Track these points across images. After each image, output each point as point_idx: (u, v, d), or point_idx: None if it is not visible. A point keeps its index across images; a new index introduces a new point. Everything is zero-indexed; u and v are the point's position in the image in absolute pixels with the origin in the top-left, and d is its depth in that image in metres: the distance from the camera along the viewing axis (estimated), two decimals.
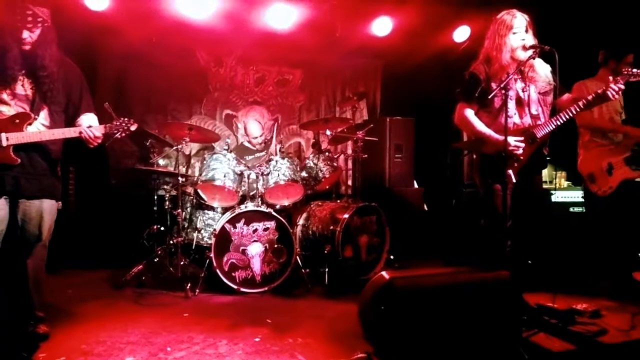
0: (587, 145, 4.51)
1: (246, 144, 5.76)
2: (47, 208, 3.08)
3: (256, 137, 5.68)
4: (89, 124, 3.19)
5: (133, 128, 3.21)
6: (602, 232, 4.50)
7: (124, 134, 3.20)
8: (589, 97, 3.22)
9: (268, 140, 5.93)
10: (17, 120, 2.91)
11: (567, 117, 3.26)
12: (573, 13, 5.17)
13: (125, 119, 3.19)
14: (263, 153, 5.47)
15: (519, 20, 3.33)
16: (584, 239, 4.74)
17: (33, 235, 3.04)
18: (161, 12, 5.34)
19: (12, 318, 3.04)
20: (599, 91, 3.20)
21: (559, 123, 3.29)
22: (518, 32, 3.32)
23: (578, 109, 3.24)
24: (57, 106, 3.10)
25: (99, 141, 3.11)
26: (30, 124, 2.94)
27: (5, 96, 2.93)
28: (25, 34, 2.92)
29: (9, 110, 2.94)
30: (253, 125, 5.73)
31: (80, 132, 3.04)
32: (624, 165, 4.31)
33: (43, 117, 3.03)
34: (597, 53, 4.58)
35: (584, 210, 5.26)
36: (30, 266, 3.05)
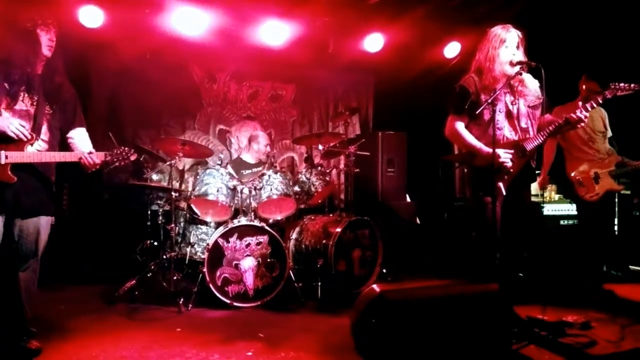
0: (574, 158, 4.67)
1: (244, 157, 5.78)
2: (43, 224, 3.11)
3: (267, 145, 5.67)
4: (82, 142, 3.24)
5: (133, 158, 3.23)
6: (590, 238, 4.61)
7: (122, 163, 3.22)
8: (555, 124, 3.36)
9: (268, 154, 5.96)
10: (18, 140, 2.93)
11: (546, 135, 3.40)
12: (563, 34, 5.28)
13: (126, 148, 3.21)
14: (260, 167, 5.50)
15: (512, 35, 3.41)
16: (574, 250, 4.80)
17: (30, 251, 3.06)
18: (155, 29, 5.40)
19: (4, 333, 3.04)
20: (561, 121, 3.34)
21: (544, 137, 3.37)
22: (510, 47, 3.39)
23: (547, 134, 3.38)
24: (55, 122, 3.14)
25: (97, 167, 3.14)
26: (31, 144, 2.96)
27: (7, 113, 2.95)
28: (49, 42, 3.01)
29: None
30: (261, 135, 5.76)
31: (80, 158, 3.07)
32: (609, 177, 4.50)
33: (43, 132, 3.06)
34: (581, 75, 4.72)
35: (575, 222, 5.37)
36: (23, 279, 3.06)
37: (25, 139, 2.90)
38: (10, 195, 2.93)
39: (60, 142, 3.23)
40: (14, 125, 2.86)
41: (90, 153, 3.09)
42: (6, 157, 2.88)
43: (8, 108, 2.96)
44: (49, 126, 3.10)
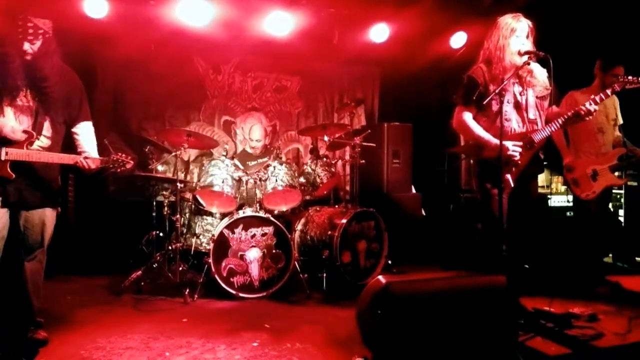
0: (579, 153, 4.62)
1: (248, 149, 5.78)
2: (49, 215, 3.11)
3: (253, 141, 5.66)
4: (86, 139, 3.23)
5: (129, 166, 3.22)
6: (588, 234, 4.58)
7: (119, 170, 3.21)
8: (564, 117, 3.33)
9: (269, 145, 5.95)
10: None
11: (556, 127, 3.37)
12: (575, 20, 5.22)
13: (123, 155, 3.19)
14: (265, 158, 5.49)
15: (522, 25, 3.37)
16: (579, 242, 4.77)
17: (35, 242, 3.07)
18: (160, 20, 5.38)
19: (12, 323, 3.05)
20: (570, 113, 3.33)
21: (553, 129, 3.35)
22: (520, 36, 3.35)
23: (558, 126, 3.36)
24: (59, 117, 3.10)
25: (94, 172, 3.13)
26: (31, 143, 2.95)
27: (8, 108, 2.94)
28: (26, 46, 2.92)
29: (12, 123, 2.93)
30: (255, 128, 5.76)
31: (76, 162, 3.06)
32: (609, 173, 4.45)
33: (46, 128, 3.04)
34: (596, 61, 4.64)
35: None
36: (29, 269, 3.07)
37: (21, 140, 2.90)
38: (12, 190, 2.93)
39: (66, 136, 3.22)
40: (7, 128, 2.87)
41: (85, 158, 3.07)
42: (6, 153, 2.87)
43: (10, 104, 2.94)
44: (52, 122, 3.07)
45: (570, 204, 5.66)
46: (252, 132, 5.71)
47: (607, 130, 4.59)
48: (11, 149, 2.88)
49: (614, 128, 4.66)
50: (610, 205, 5.12)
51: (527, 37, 3.38)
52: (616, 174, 4.55)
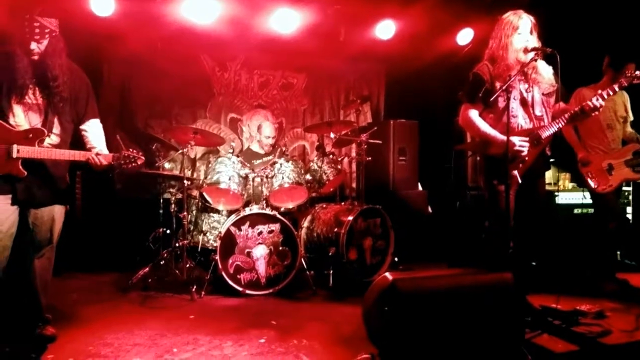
0: (587, 149, 4.58)
1: (253, 148, 5.78)
2: (58, 212, 3.13)
3: (269, 138, 5.65)
4: (95, 136, 3.24)
5: (140, 162, 3.23)
6: (606, 229, 4.54)
7: (130, 166, 3.21)
8: (570, 113, 3.31)
9: (276, 143, 5.95)
10: (31, 135, 2.93)
11: (563, 124, 3.35)
12: (582, 16, 5.18)
13: (134, 151, 3.21)
14: (270, 157, 5.49)
15: (524, 21, 3.35)
16: (588, 239, 4.74)
17: (45, 239, 3.09)
18: (166, 17, 5.38)
19: (20, 320, 3.08)
20: (575, 109, 3.31)
21: (560, 126, 3.33)
22: (522, 33, 3.34)
23: (564, 122, 3.33)
24: (67, 116, 3.12)
25: (104, 168, 3.14)
26: (42, 140, 2.96)
27: (17, 106, 2.96)
28: (33, 45, 2.94)
29: (22, 121, 2.96)
30: (265, 125, 5.74)
31: (88, 159, 3.07)
32: (625, 167, 4.42)
33: (55, 125, 3.05)
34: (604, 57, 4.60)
35: (589, 211, 5.32)
36: (38, 266, 3.09)
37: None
38: (22, 187, 2.95)
39: (74, 134, 3.23)
40: None
41: (97, 154, 3.09)
42: (18, 151, 2.88)
43: (19, 102, 2.96)
44: (60, 120, 3.09)
45: (577, 201, 5.62)
46: (263, 129, 5.68)
47: (615, 127, 4.56)
48: (23, 146, 2.89)
49: (624, 125, 4.62)
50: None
51: (531, 32, 3.36)
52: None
